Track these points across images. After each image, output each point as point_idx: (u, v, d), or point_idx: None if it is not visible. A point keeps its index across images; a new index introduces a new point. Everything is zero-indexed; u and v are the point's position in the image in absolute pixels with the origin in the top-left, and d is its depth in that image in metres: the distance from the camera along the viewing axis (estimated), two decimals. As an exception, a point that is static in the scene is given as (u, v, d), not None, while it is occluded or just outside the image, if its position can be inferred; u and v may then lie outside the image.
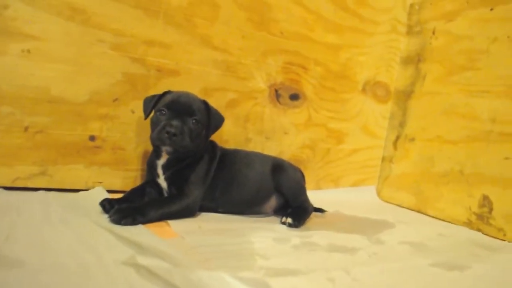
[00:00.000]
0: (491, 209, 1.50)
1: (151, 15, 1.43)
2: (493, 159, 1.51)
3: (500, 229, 1.46)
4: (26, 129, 1.33)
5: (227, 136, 1.59)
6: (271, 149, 1.68)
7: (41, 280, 0.96)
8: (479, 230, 1.53)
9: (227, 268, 1.05)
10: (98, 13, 1.37)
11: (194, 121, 1.31)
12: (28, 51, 1.31)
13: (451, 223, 1.63)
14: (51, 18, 1.32)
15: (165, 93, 1.34)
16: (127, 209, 1.24)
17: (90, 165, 1.43)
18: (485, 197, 1.53)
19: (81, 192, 1.41)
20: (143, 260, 1.05)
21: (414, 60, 1.86)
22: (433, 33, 1.79)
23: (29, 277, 0.95)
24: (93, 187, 1.44)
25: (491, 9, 1.58)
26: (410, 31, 1.89)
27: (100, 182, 1.45)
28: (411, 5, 1.89)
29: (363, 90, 1.88)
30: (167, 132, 1.26)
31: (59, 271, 1.00)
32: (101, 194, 1.39)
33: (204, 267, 1.07)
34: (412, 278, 1.14)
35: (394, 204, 1.89)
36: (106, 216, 1.24)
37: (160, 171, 1.35)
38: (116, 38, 1.41)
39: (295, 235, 1.31)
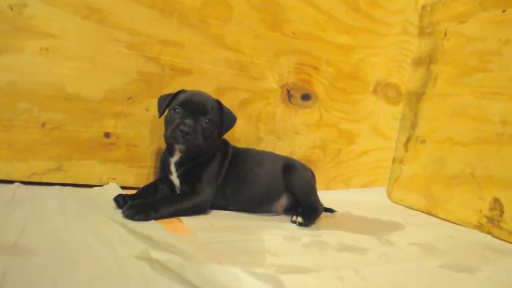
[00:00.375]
0: (502, 212, 1.49)
1: (166, 15, 1.45)
2: (504, 162, 1.50)
3: (511, 233, 1.46)
4: (42, 125, 1.35)
5: (239, 135, 1.60)
6: (282, 149, 1.68)
7: (56, 273, 0.96)
8: (489, 233, 1.52)
9: (238, 264, 1.05)
10: (114, 12, 1.39)
11: (207, 120, 1.32)
12: (46, 49, 1.32)
13: (461, 225, 1.63)
14: (68, 17, 1.34)
15: (179, 92, 1.35)
16: (140, 205, 1.25)
17: (104, 161, 1.44)
18: (496, 200, 1.52)
19: (95, 187, 1.43)
20: (156, 254, 1.06)
21: (426, 61, 1.86)
22: (445, 34, 1.78)
23: (44, 270, 0.96)
24: (107, 183, 1.46)
25: (504, 11, 1.57)
26: (421, 33, 1.89)
27: (114, 178, 1.46)
28: (423, 7, 1.89)
29: (374, 91, 1.88)
30: (181, 131, 1.28)
31: (74, 265, 1.01)
32: (114, 190, 1.39)
33: (216, 262, 1.08)
34: (421, 280, 1.14)
35: (404, 205, 1.88)
36: (119, 211, 1.25)
37: (173, 168, 1.36)
38: (131, 37, 1.42)
39: (305, 234, 1.32)
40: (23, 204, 1.25)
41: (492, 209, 1.54)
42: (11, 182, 1.33)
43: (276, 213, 1.48)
